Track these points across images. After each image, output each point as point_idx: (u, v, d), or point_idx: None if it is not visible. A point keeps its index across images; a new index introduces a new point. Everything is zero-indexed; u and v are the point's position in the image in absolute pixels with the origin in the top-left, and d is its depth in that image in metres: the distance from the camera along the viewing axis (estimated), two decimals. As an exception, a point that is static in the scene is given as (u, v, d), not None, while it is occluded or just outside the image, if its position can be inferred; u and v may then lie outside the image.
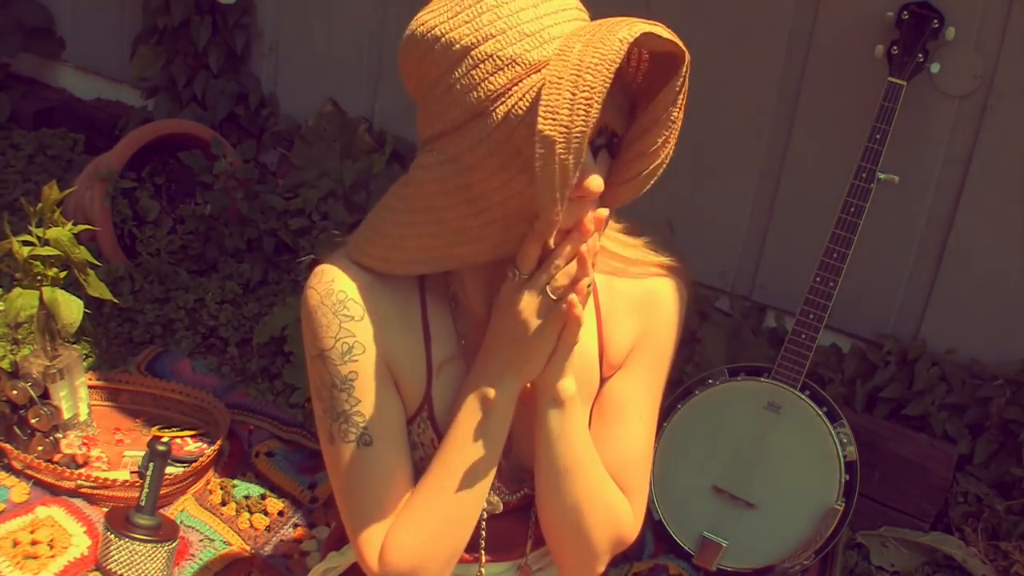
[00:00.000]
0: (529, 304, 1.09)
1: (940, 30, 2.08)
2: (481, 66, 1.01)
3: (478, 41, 1.01)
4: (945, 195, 2.26)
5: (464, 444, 1.15)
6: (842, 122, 2.31)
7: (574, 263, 1.07)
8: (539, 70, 1.00)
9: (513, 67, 1.00)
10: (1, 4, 3.36)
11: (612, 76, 0.95)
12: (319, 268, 1.16)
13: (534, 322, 1.09)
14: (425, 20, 1.05)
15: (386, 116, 2.96)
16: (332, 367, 1.14)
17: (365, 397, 1.15)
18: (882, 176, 2.06)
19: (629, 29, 0.97)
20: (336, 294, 1.14)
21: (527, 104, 1.00)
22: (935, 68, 2.12)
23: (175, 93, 3.14)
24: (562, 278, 1.08)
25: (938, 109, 2.21)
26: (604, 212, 1.06)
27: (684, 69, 1.03)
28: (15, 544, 1.91)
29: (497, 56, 1.00)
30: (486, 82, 1.01)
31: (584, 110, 0.95)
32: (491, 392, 1.13)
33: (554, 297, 1.08)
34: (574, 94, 0.95)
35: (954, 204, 2.26)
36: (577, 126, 0.95)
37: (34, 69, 3.53)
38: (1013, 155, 2.18)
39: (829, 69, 2.32)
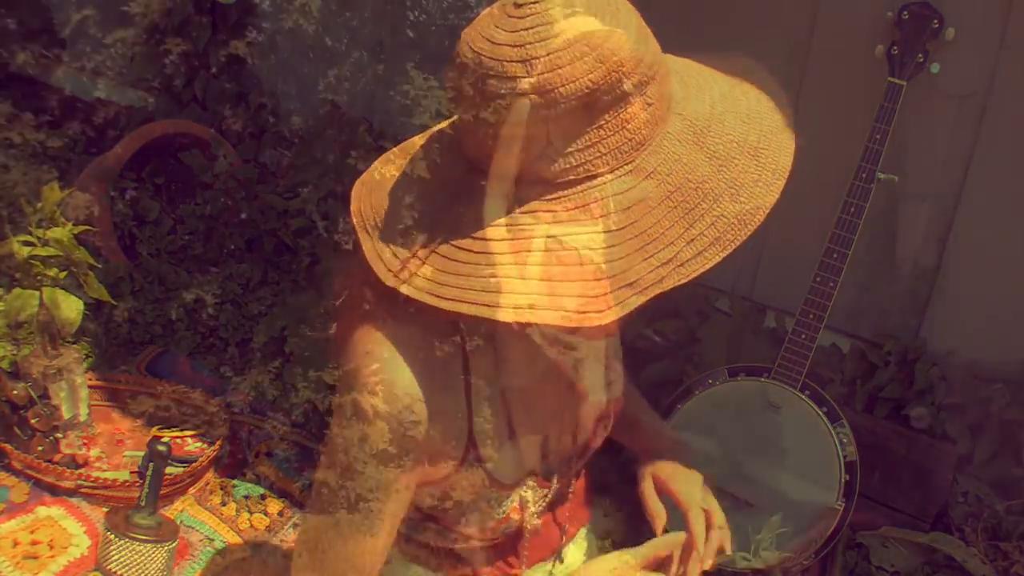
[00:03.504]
0: None
1: (940, 30, 2.08)
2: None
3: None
4: (945, 195, 2.26)
5: None
6: (842, 122, 2.31)
7: None
8: None
9: None
10: (1, 4, 3.36)
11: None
12: (373, 367, 1.03)
13: None
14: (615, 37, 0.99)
15: (386, 116, 2.95)
16: (377, 472, 1.05)
17: (394, 498, 1.09)
18: (882, 176, 2.06)
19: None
20: (401, 399, 1.03)
21: None
22: (935, 68, 2.12)
23: (175, 93, 3.14)
24: None
25: (938, 109, 2.21)
26: None
27: None
28: (15, 544, 1.91)
29: None
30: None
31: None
32: None
33: None
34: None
35: (954, 204, 2.26)
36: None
37: (34, 69, 3.53)
38: (1013, 155, 2.18)
39: (829, 69, 2.32)
